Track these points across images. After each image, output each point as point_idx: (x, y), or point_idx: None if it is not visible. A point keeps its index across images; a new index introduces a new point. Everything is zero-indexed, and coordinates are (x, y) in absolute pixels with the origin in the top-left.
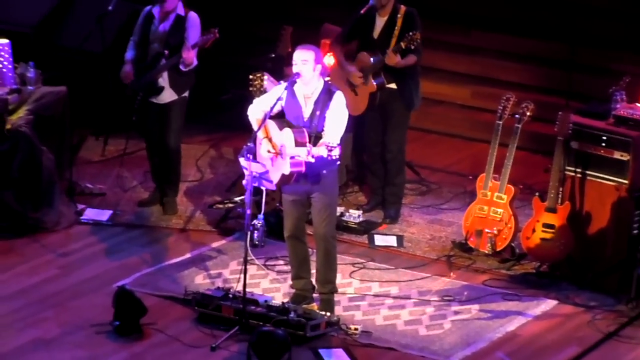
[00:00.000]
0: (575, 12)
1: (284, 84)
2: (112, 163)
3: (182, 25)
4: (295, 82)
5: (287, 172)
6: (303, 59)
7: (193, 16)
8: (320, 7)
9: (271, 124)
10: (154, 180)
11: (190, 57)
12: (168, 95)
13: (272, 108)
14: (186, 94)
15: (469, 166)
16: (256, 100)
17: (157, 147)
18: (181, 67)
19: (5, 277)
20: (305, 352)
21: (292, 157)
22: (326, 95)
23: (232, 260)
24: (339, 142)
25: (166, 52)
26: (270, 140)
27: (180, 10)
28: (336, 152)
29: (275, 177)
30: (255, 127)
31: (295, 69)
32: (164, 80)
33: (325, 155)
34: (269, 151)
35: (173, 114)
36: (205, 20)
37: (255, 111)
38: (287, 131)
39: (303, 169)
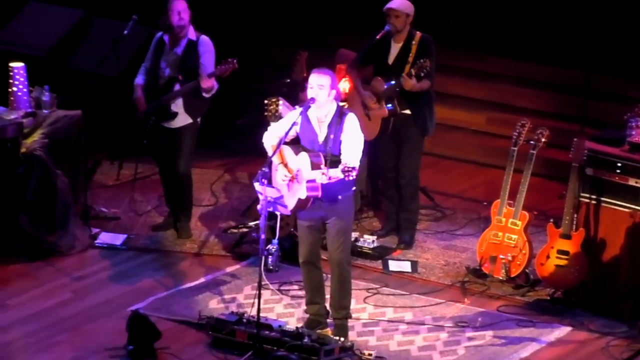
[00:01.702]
0: (590, 38)
1: (298, 109)
2: (126, 187)
3: (195, 50)
4: (309, 107)
5: (303, 197)
6: (320, 84)
7: (205, 40)
8: (335, 33)
9: (286, 149)
10: (168, 204)
11: (209, 86)
12: (181, 120)
13: (287, 133)
14: (199, 119)
15: (484, 192)
16: (271, 127)
17: (170, 172)
18: (203, 94)
19: (20, 300)
20: None
21: (309, 181)
22: (339, 117)
23: (246, 285)
24: (356, 164)
25: (180, 77)
26: (285, 165)
27: (192, 35)
28: (353, 174)
29: (291, 203)
30: (270, 153)
31: (310, 93)
32: (177, 105)
33: (342, 177)
34: (285, 176)
35: (184, 139)
36: (220, 45)
37: (270, 138)
38: (304, 155)
39: (319, 193)
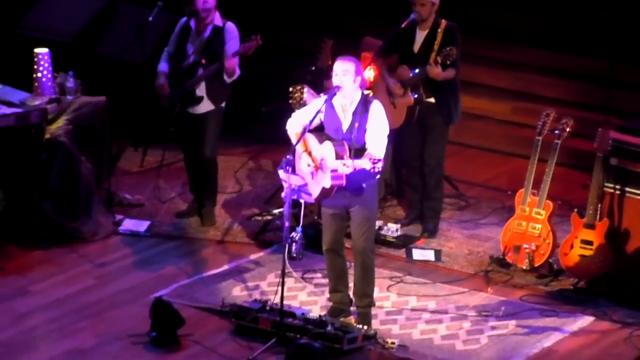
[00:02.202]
0: (615, 28)
1: (323, 97)
2: (150, 174)
3: (221, 36)
4: (335, 94)
5: (327, 186)
6: (344, 70)
7: (231, 27)
8: (361, 21)
9: (310, 138)
10: (192, 191)
11: (232, 65)
12: (205, 106)
13: (311, 121)
14: (223, 104)
15: (508, 181)
16: (295, 114)
17: (195, 158)
18: (225, 78)
19: (43, 286)
20: None
21: (333, 171)
22: (364, 105)
23: (269, 272)
24: (382, 155)
25: (203, 60)
26: (309, 154)
27: (218, 22)
28: (379, 165)
29: (315, 191)
30: (294, 141)
31: (335, 80)
32: (200, 91)
33: (368, 168)
34: (308, 165)
35: (209, 125)
36: (245, 33)
37: (294, 125)
38: (328, 144)
39: (344, 182)
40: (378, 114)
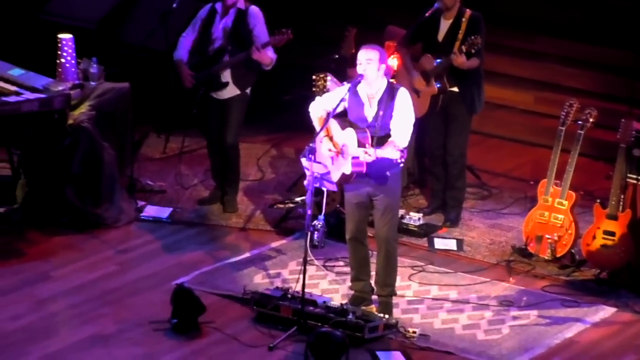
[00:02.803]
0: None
1: (347, 85)
2: (173, 160)
3: (244, 20)
4: (358, 82)
5: (348, 172)
6: (368, 58)
7: (255, 10)
8: (384, 9)
9: (333, 123)
10: (214, 178)
11: (262, 57)
12: (230, 91)
13: (334, 109)
14: (248, 90)
15: (530, 171)
16: (318, 98)
17: (217, 145)
18: (265, 68)
19: (65, 272)
20: (363, 354)
21: (354, 157)
22: (389, 94)
23: (291, 260)
24: (406, 144)
25: (229, 47)
26: (331, 139)
27: (241, 4)
28: (403, 155)
29: (335, 176)
30: (315, 123)
31: (359, 69)
32: (225, 76)
33: (391, 157)
34: (329, 150)
35: (233, 110)
36: (268, 21)
37: (317, 109)
38: (350, 131)
39: (364, 169)
40: (404, 102)
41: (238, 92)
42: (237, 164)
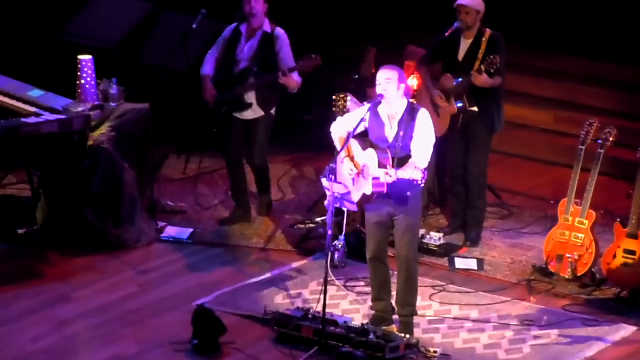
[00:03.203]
0: None
1: (367, 105)
2: (193, 181)
3: (271, 42)
4: (379, 102)
5: (368, 192)
6: (387, 78)
7: (281, 33)
8: (404, 29)
9: (354, 143)
10: (234, 198)
11: (289, 82)
12: (253, 112)
13: (355, 129)
14: (272, 111)
15: (551, 190)
16: (339, 119)
17: (237, 164)
18: (291, 91)
19: (85, 293)
20: None
21: (374, 178)
22: (410, 114)
23: (312, 280)
24: (426, 164)
25: (254, 68)
26: (352, 159)
27: (267, 27)
28: (424, 176)
29: (356, 197)
30: (336, 144)
31: (378, 89)
32: (249, 97)
33: (412, 178)
34: (351, 170)
35: (259, 131)
36: (292, 42)
37: (338, 129)
38: (371, 152)
39: (385, 189)
40: (425, 122)
41: (262, 113)
42: (267, 178)
